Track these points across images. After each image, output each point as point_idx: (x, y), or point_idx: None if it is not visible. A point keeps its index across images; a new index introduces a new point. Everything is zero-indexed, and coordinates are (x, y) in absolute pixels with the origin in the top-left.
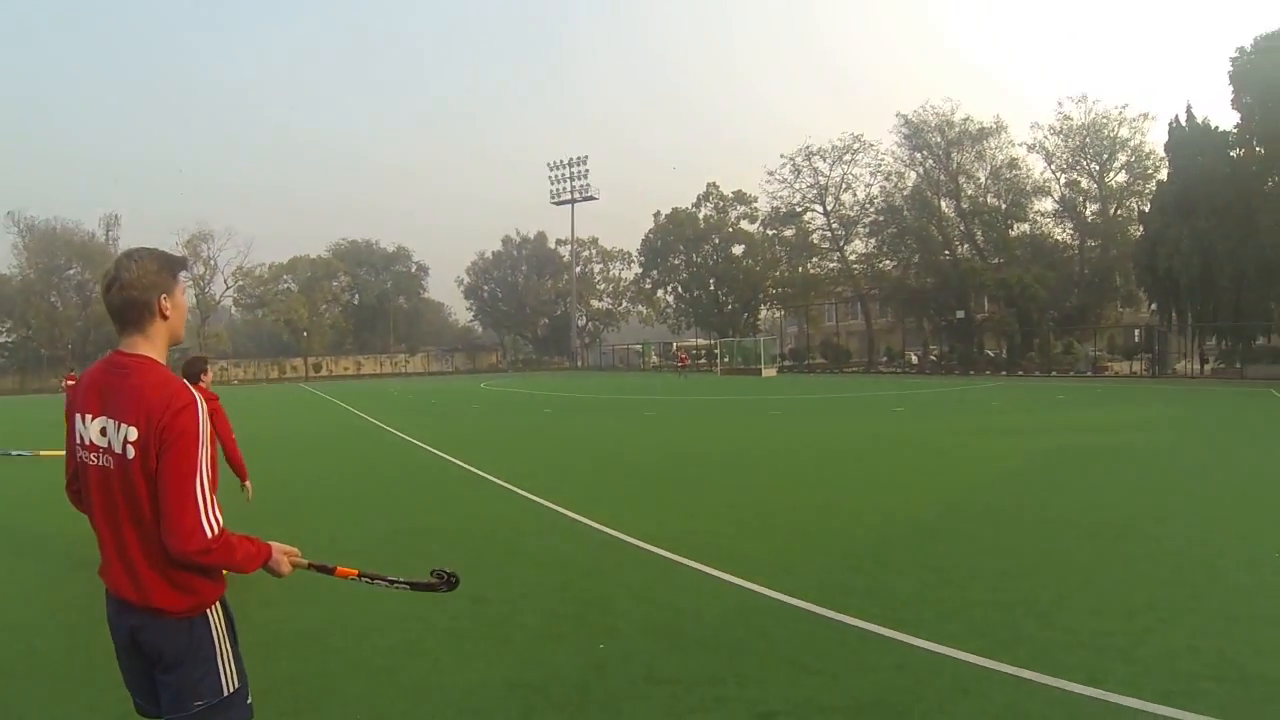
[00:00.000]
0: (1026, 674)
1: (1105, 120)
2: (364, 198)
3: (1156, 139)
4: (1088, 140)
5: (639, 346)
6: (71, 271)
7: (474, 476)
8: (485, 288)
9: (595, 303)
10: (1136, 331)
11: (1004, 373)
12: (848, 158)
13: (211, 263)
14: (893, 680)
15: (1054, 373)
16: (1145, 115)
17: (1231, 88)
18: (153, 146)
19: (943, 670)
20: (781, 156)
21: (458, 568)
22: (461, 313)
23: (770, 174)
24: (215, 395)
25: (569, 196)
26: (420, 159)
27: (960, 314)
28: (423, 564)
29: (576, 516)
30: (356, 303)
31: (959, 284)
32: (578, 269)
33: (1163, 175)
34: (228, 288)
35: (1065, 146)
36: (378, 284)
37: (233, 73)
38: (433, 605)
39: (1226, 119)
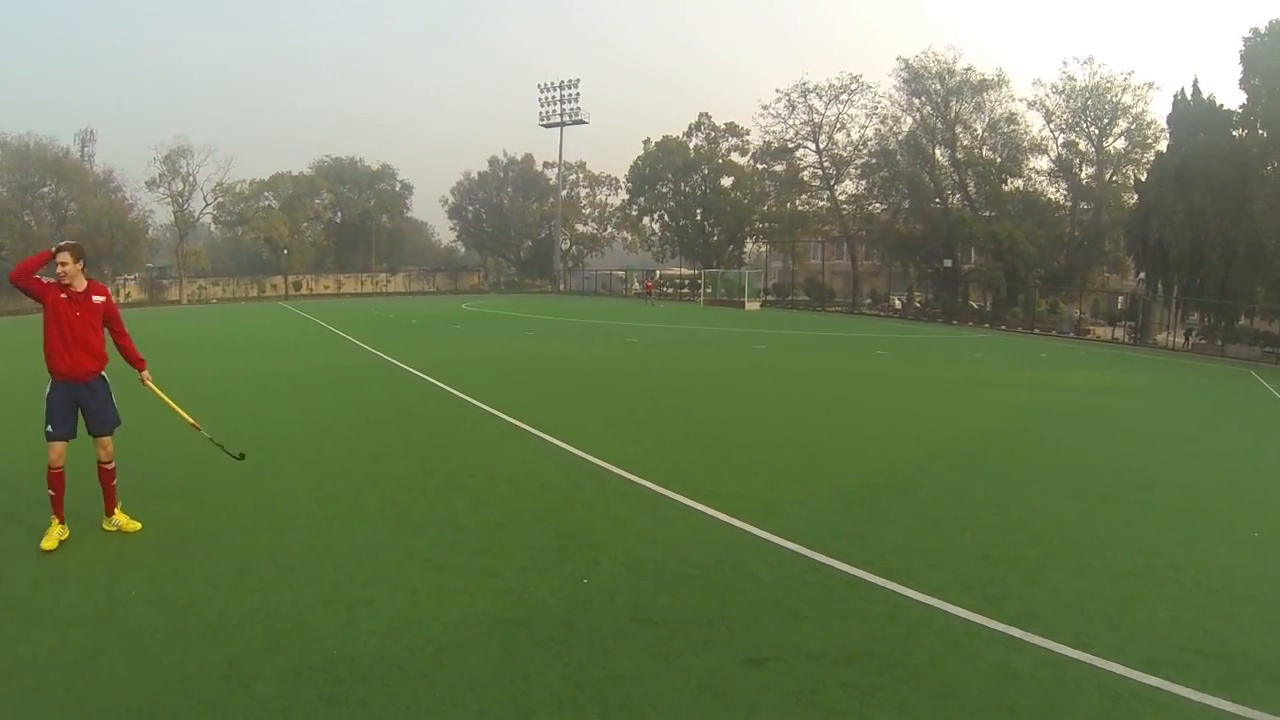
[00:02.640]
0: (1015, 632)
1: (1109, 85)
2: (350, 115)
3: (1159, 110)
4: (1089, 103)
5: (622, 273)
6: (46, 189)
7: (452, 398)
8: (470, 208)
9: (580, 227)
10: (1121, 298)
11: (987, 325)
12: (844, 97)
13: (190, 179)
14: (883, 630)
15: (1037, 330)
16: (1150, 84)
17: (1241, 68)
18: (135, 63)
19: (933, 623)
20: (777, 91)
21: (436, 494)
22: (445, 233)
23: (764, 108)
24: None
25: (558, 119)
26: (409, 75)
27: (948, 263)
28: (401, 490)
29: (558, 443)
30: (339, 221)
31: (948, 233)
32: (564, 193)
33: (1162, 146)
34: (207, 205)
35: (1066, 107)
36: (360, 202)
37: None
38: (411, 533)
39: (1233, 98)
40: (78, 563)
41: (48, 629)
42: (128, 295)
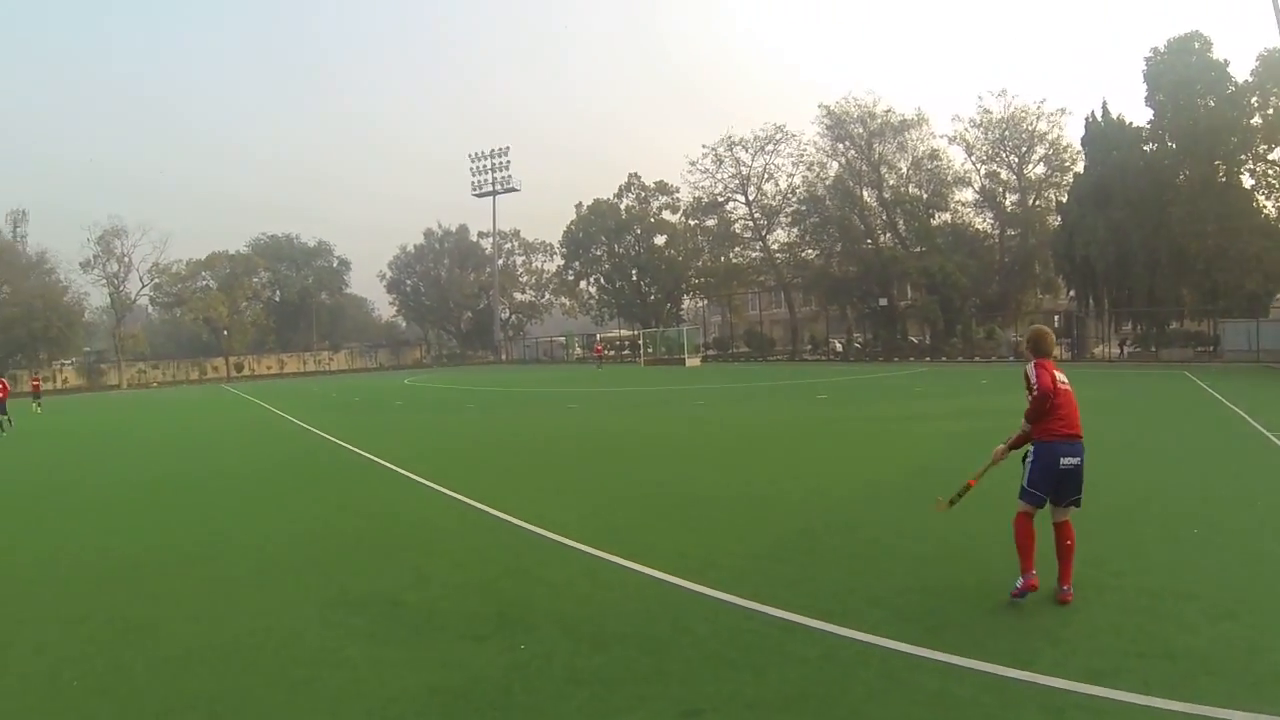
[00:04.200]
0: (955, 659)
1: (1024, 114)
2: (284, 192)
3: (1073, 133)
4: (1007, 133)
5: (563, 338)
6: None
7: (393, 474)
8: (408, 282)
9: (518, 295)
10: (1056, 317)
11: (928, 359)
12: (770, 148)
13: (126, 260)
14: (819, 672)
15: (977, 358)
16: (1062, 110)
17: (1145, 86)
18: (65, 140)
19: (870, 660)
20: (704, 147)
21: (376, 571)
22: (385, 308)
23: (692, 164)
24: None
25: (490, 188)
26: (341, 151)
27: (883, 301)
28: (341, 569)
29: (497, 513)
30: (278, 299)
31: (881, 272)
32: (500, 261)
33: (1079, 168)
34: (144, 286)
35: (985, 139)
36: (299, 280)
37: (148, 69)
38: (353, 612)
39: (1140, 115)
40: (19, 655)
41: None
42: (64, 381)
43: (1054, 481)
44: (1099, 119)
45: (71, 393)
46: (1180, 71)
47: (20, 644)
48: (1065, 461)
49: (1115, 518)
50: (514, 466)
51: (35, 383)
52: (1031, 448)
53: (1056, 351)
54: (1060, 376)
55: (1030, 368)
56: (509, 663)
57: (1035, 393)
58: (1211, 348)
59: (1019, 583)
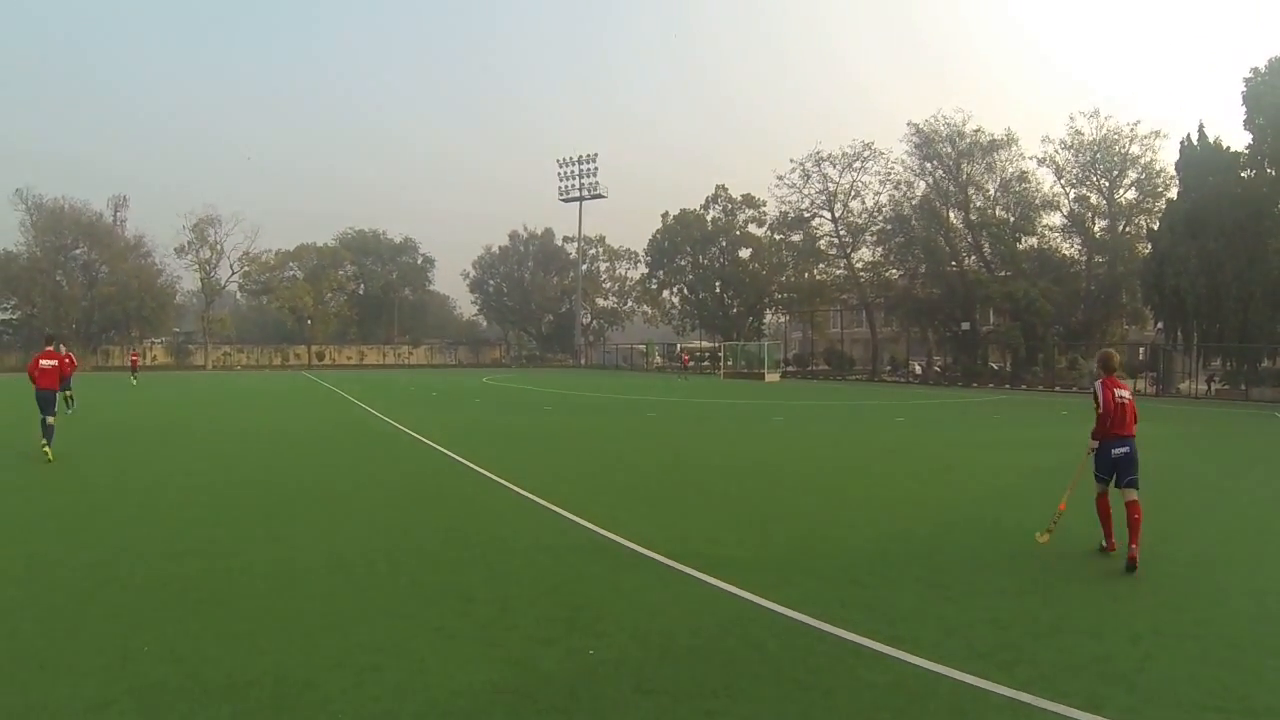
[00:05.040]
0: (1025, 697)
1: (1116, 136)
2: (372, 190)
3: (1167, 158)
4: (1098, 156)
5: (643, 346)
6: (78, 251)
7: (469, 471)
8: (491, 282)
9: (601, 301)
10: (1141, 349)
11: (1008, 386)
12: (857, 165)
13: (218, 247)
14: (888, 699)
15: (1058, 388)
16: (1157, 133)
17: (1244, 108)
18: (165, 131)
19: (939, 690)
20: (791, 161)
21: (448, 566)
22: (466, 306)
23: (779, 178)
24: None
25: (577, 194)
26: (430, 151)
27: (965, 325)
28: (413, 562)
29: (572, 517)
30: (362, 292)
31: (965, 295)
32: (584, 267)
33: (1173, 194)
34: (233, 273)
35: (1075, 161)
36: (383, 274)
37: (241, 60)
38: (423, 603)
39: (1238, 139)
40: (94, 616)
41: (60, 678)
42: (154, 358)
43: (1110, 467)
44: (1195, 143)
45: (160, 369)
46: None
47: (95, 609)
48: (1115, 451)
49: (1198, 563)
50: (588, 471)
51: (134, 358)
52: (1095, 445)
53: (1140, 385)
54: (1120, 392)
55: (1098, 386)
56: (577, 667)
57: (1099, 411)
58: None
59: (1104, 543)
